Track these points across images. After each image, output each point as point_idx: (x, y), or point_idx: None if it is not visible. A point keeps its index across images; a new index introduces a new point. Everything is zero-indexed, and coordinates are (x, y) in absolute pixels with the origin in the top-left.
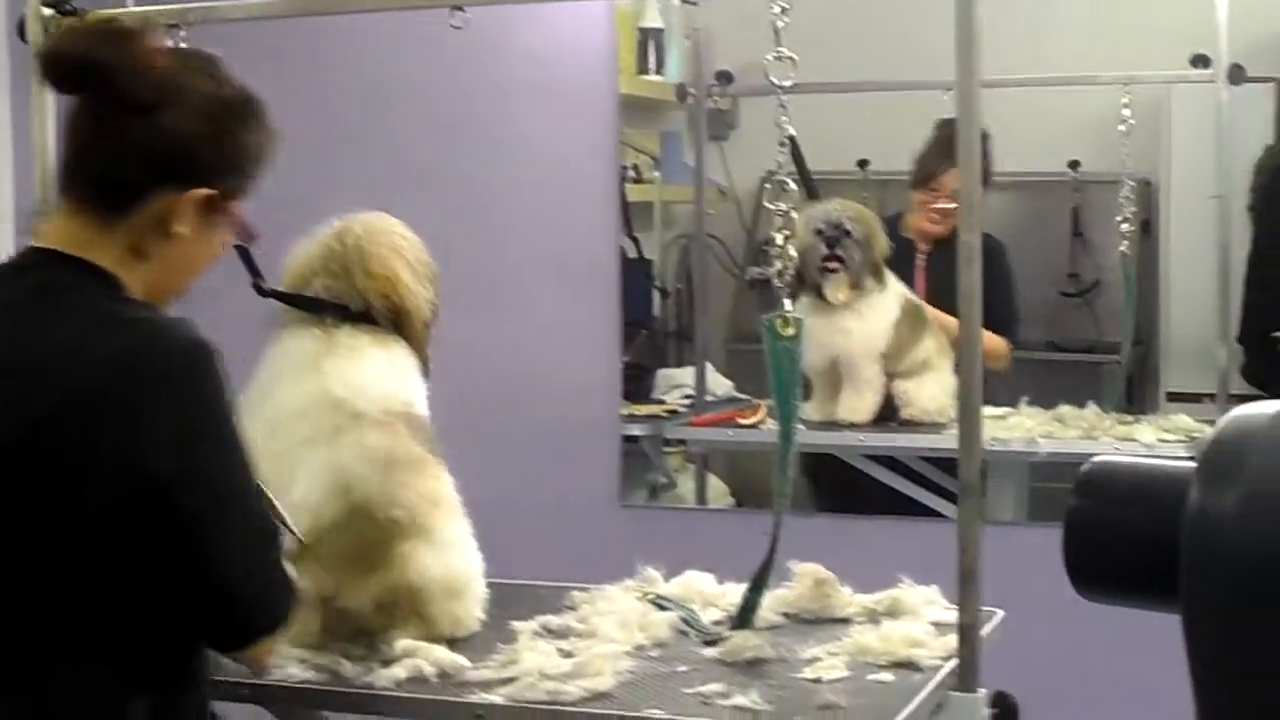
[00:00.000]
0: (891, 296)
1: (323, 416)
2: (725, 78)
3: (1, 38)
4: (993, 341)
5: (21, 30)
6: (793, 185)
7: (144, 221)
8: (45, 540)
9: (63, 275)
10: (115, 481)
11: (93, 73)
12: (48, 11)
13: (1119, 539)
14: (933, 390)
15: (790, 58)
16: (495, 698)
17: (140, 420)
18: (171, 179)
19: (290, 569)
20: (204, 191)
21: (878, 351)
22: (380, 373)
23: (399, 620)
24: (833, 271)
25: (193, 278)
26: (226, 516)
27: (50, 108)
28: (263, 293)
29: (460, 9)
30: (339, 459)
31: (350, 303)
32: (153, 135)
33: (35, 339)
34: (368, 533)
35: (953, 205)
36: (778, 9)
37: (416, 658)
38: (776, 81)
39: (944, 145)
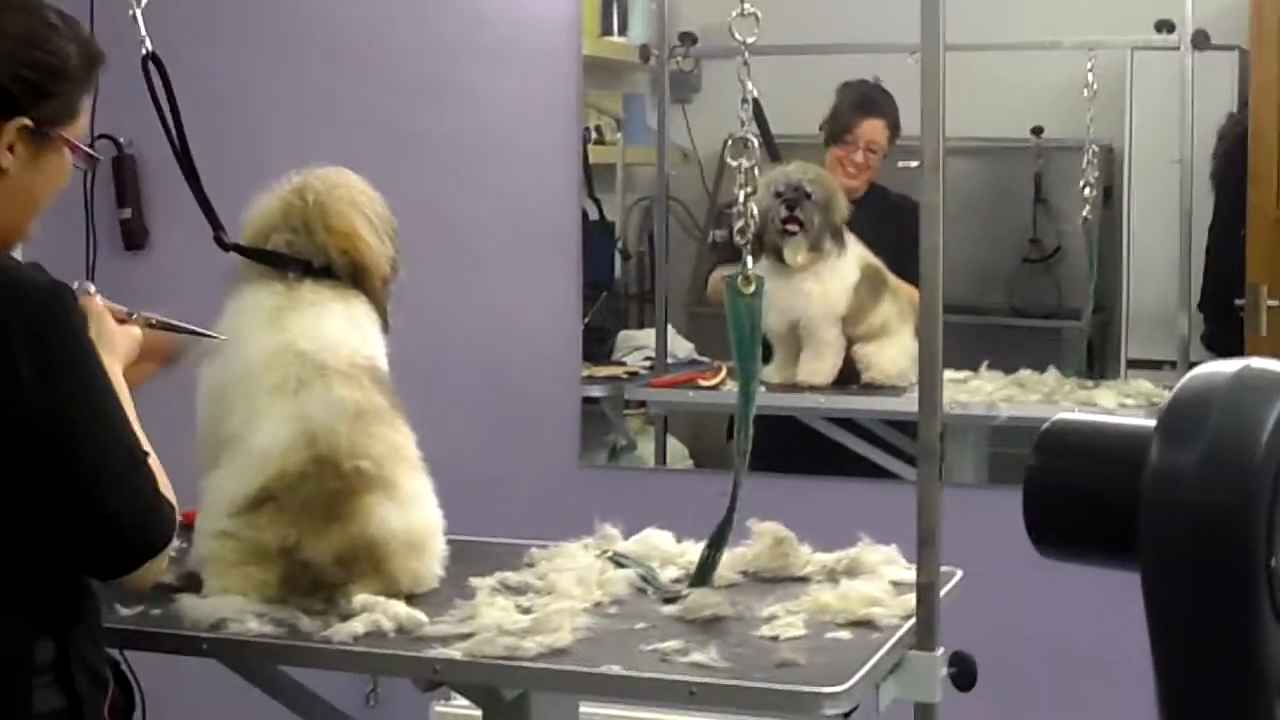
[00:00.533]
0: (851, 259)
1: (288, 369)
2: (689, 39)
3: None
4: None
5: None
6: (755, 143)
7: None
8: None
9: None
10: None
11: None
12: None
13: (1078, 497)
14: (892, 354)
15: (754, 14)
16: (453, 653)
17: (3, 366)
18: None
19: (167, 494)
20: (20, 121)
21: (837, 314)
22: (343, 327)
23: (358, 574)
24: (792, 234)
25: (35, 210)
26: (96, 445)
27: None
28: (224, 246)
29: None
30: (305, 409)
31: (311, 258)
32: None
33: None
34: (331, 483)
35: (872, 156)
36: None
37: (375, 613)
38: (740, 38)
39: (856, 99)
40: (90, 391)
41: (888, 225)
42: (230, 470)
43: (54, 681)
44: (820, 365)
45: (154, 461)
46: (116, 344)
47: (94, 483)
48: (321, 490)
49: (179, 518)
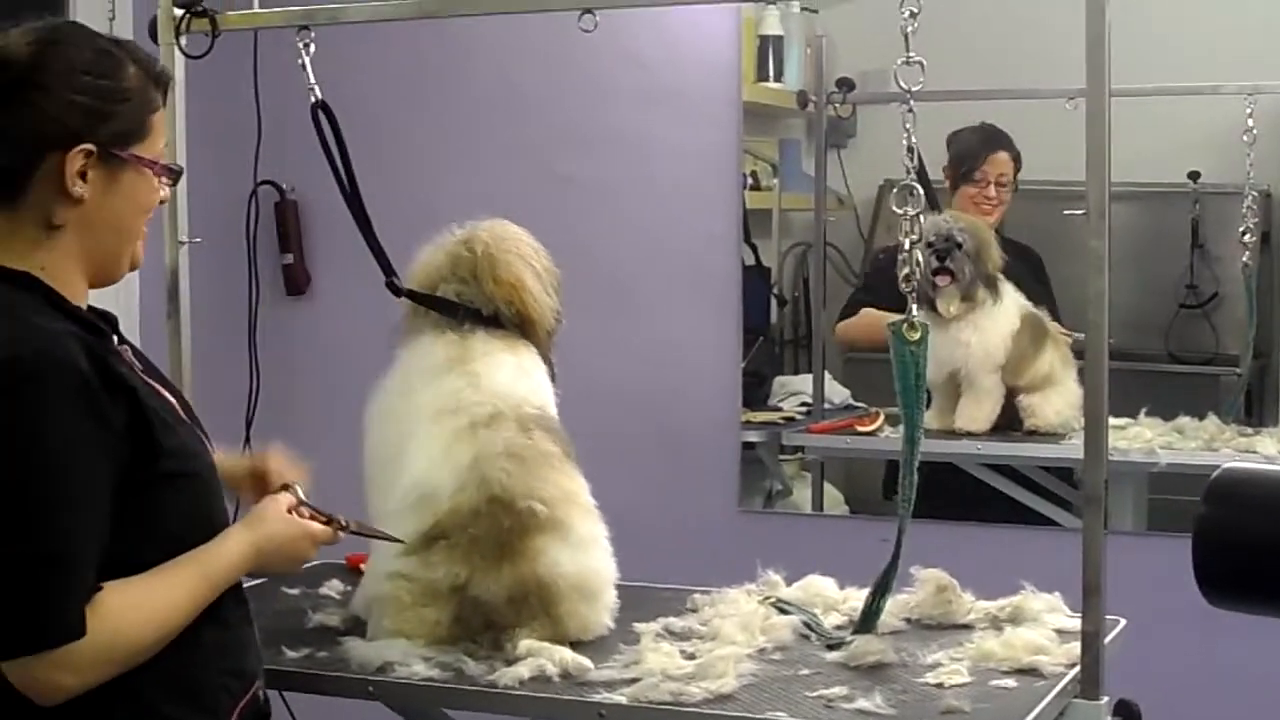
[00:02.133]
0: (1010, 308)
1: (461, 414)
2: (846, 84)
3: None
4: None
5: (153, 31)
6: (920, 191)
7: (43, 195)
8: None
9: None
10: None
11: None
12: (179, 12)
13: (1250, 546)
14: (1058, 404)
15: (920, 62)
16: (619, 698)
17: None
18: (48, 147)
19: (103, 622)
20: (84, 147)
21: (996, 363)
22: (514, 377)
23: (528, 616)
24: (943, 285)
25: (128, 235)
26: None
27: (180, 105)
28: (397, 292)
29: (590, 12)
30: (479, 451)
31: (480, 308)
32: (17, 119)
33: None
34: (503, 521)
35: (1002, 190)
36: (907, 14)
37: (540, 657)
38: (905, 86)
39: (978, 138)
40: (21, 471)
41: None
42: (402, 510)
43: None
44: (978, 412)
45: (114, 596)
46: (265, 522)
47: None
48: (493, 528)
49: (83, 645)
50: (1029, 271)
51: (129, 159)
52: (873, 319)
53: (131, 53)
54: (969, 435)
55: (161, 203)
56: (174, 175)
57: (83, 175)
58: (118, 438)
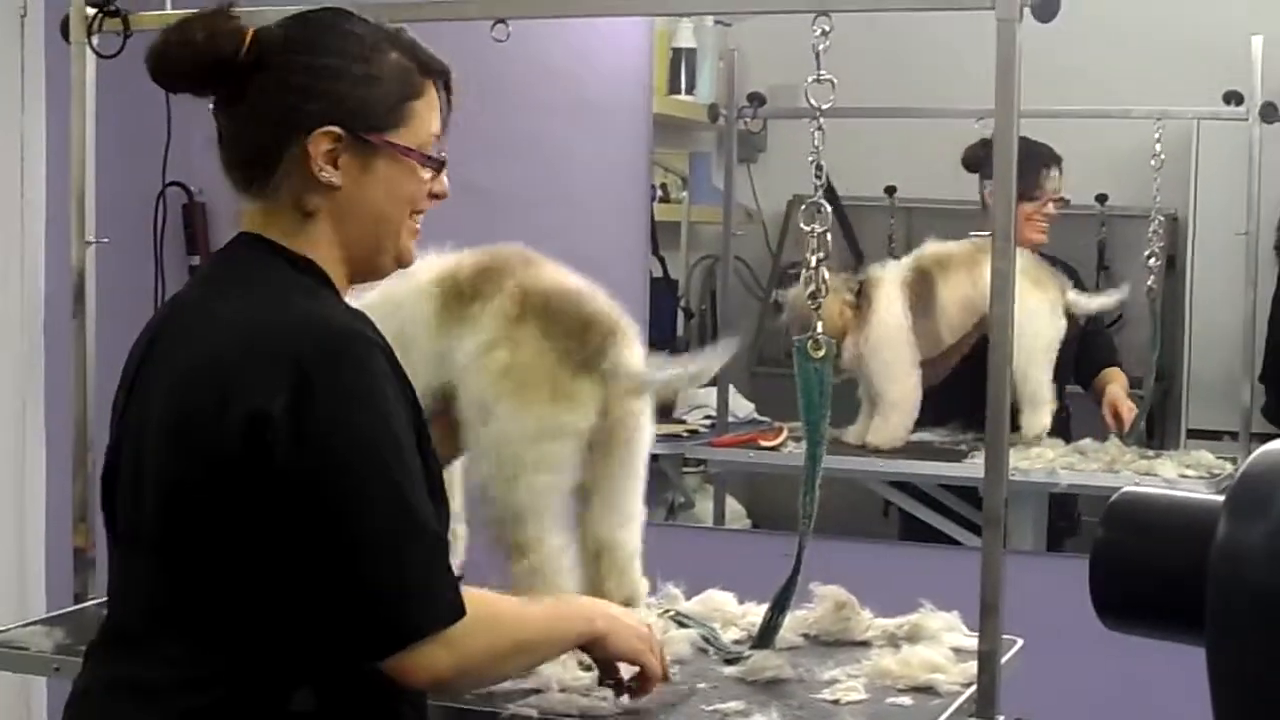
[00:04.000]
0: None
1: None
2: (757, 99)
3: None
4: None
5: (65, 30)
6: (827, 207)
7: (293, 180)
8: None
9: (253, 256)
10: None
11: (193, 69)
12: (91, 11)
13: (1146, 570)
14: None
15: (830, 80)
16: (529, 710)
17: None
18: (291, 130)
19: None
20: (329, 130)
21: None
22: None
23: None
24: None
25: (390, 225)
26: (367, 507)
27: (90, 109)
28: None
29: (503, 22)
30: None
31: None
32: (258, 101)
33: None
34: None
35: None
36: (819, 31)
37: None
38: (815, 104)
39: (1035, 151)
40: (368, 447)
41: None
42: None
43: None
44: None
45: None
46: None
47: (358, 547)
48: None
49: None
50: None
51: (381, 145)
52: None
53: (395, 38)
54: (876, 452)
55: (435, 196)
56: (436, 165)
57: (334, 162)
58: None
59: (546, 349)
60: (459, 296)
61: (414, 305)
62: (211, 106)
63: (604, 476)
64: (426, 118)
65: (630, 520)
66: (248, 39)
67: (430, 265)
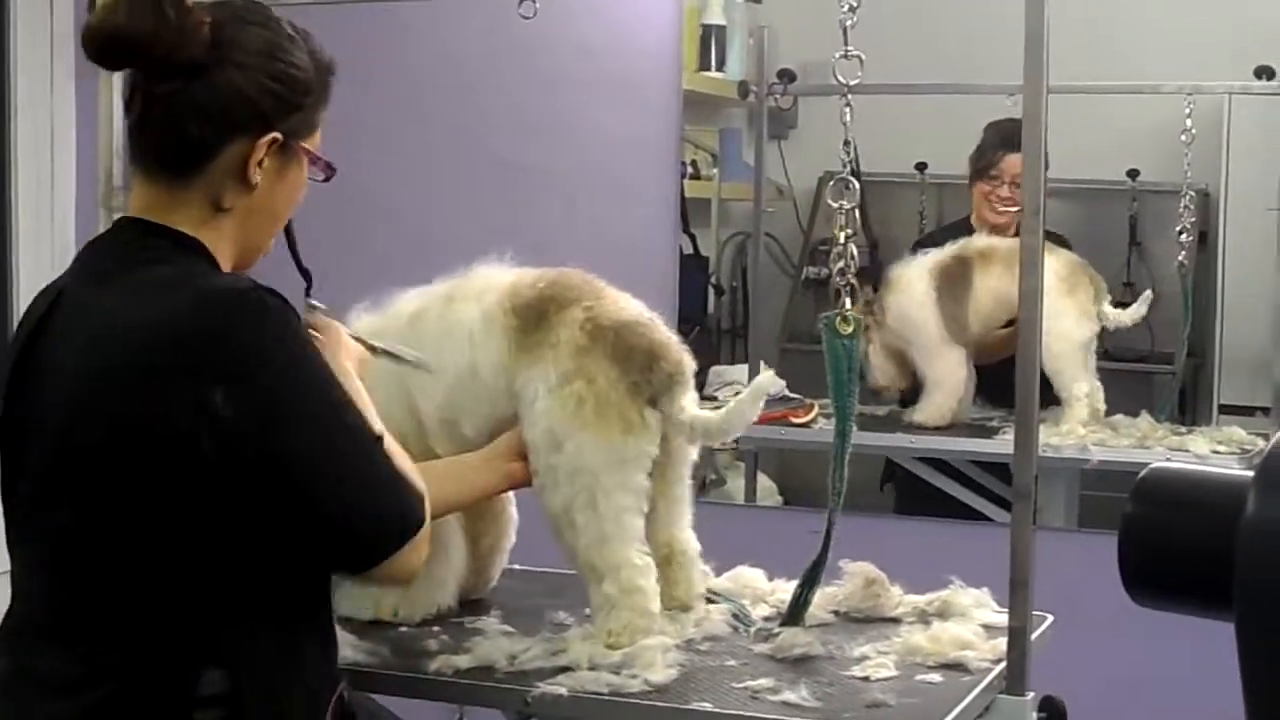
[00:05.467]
0: None
1: None
2: (787, 76)
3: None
4: None
5: (93, 3)
6: (855, 184)
7: (219, 175)
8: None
9: (148, 242)
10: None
11: (137, 45)
12: None
13: (1174, 546)
14: None
15: (858, 56)
16: (558, 689)
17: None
18: (238, 130)
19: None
20: (273, 135)
21: None
22: None
23: None
24: None
25: (278, 224)
26: (312, 442)
27: (116, 84)
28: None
29: None
30: None
31: None
32: (211, 93)
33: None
34: None
35: (1018, 191)
36: (845, 7)
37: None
38: (843, 80)
39: (1002, 136)
40: (300, 387)
41: None
42: None
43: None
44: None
45: (392, 445)
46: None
47: (316, 482)
48: None
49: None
50: None
51: (298, 151)
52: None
53: (307, 40)
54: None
55: None
56: (331, 173)
57: (260, 163)
58: None
59: (616, 380)
60: (525, 328)
61: (485, 337)
62: (133, 80)
63: (663, 484)
64: (323, 121)
65: (689, 522)
66: (205, 30)
67: (490, 284)
